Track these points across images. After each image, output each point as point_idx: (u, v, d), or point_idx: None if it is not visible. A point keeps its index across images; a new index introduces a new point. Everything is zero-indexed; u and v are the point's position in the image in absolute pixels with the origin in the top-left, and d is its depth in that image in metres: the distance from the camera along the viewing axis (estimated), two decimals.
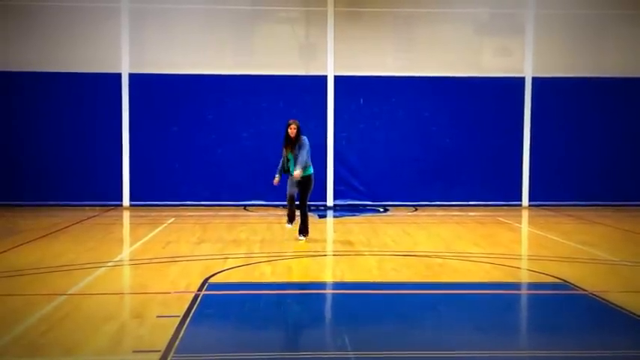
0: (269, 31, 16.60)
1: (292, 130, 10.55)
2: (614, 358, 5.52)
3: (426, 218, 14.59)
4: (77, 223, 13.18)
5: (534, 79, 16.34)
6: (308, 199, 10.77)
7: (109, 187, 15.86)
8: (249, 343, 5.82)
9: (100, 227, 12.87)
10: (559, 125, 16.39)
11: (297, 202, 10.77)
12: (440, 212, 15.44)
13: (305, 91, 16.08)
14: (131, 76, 15.84)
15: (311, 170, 10.68)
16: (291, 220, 10.84)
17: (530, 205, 16.38)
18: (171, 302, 7.00)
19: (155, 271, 8.60)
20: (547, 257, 9.67)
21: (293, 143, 10.56)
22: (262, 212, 15.17)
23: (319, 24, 16.26)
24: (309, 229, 10.96)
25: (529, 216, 15.17)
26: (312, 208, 14.76)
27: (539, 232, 12.51)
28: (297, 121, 10.66)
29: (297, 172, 10.42)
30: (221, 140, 16.06)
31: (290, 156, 10.60)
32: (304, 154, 10.49)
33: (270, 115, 15.94)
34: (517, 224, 13.93)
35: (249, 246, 10.51)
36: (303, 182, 10.62)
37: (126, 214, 14.94)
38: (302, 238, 10.82)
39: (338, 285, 8.19)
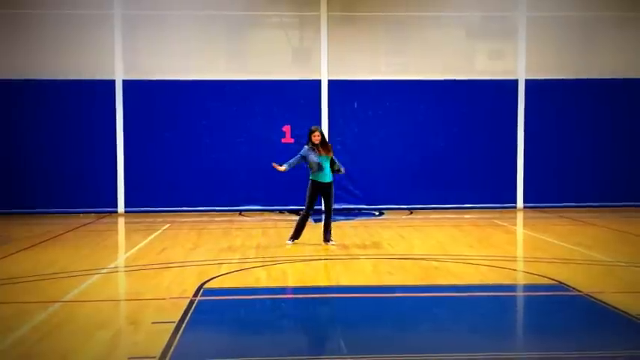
0: (262, 36, 16.60)
1: (317, 137, 10.47)
2: (610, 359, 5.51)
3: (422, 221, 14.59)
4: (72, 230, 13.15)
5: (527, 81, 16.36)
6: None
7: (104, 194, 15.82)
8: (244, 348, 5.81)
9: (95, 234, 12.84)
10: (552, 127, 16.41)
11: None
12: (435, 215, 15.45)
13: (299, 95, 16.07)
14: (125, 82, 15.82)
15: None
16: (298, 236, 10.84)
17: (524, 207, 16.39)
18: (167, 308, 6.98)
19: (150, 278, 8.57)
20: (542, 259, 9.68)
21: (326, 147, 10.54)
22: (257, 217, 15.15)
23: (313, 28, 16.26)
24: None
25: (524, 218, 15.18)
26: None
27: (534, 234, 12.52)
28: (319, 128, 10.69)
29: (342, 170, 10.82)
30: (215, 145, 16.03)
31: (325, 158, 10.51)
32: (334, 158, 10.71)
33: (265, 119, 15.96)
34: (512, 226, 13.94)
35: (245, 251, 10.50)
36: (330, 187, 10.66)
37: (121, 221, 14.91)
38: (334, 242, 10.88)
39: (333, 289, 8.17)
